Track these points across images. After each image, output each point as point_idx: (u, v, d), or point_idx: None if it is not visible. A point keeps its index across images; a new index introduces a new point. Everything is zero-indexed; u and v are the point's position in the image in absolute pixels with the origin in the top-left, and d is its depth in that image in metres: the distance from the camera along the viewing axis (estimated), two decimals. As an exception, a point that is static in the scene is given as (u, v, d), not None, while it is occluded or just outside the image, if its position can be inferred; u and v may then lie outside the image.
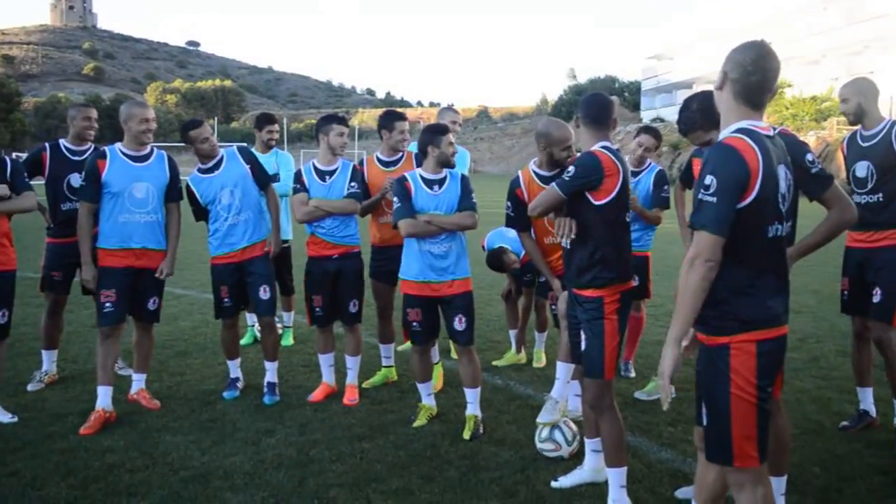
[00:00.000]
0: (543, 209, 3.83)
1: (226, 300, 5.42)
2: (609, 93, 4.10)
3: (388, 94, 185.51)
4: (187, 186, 5.34)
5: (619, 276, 3.65)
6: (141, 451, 4.47)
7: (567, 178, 3.64)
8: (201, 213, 5.41)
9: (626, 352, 5.94)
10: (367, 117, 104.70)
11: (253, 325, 7.14)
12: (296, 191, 5.33)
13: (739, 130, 2.61)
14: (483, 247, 6.31)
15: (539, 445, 4.38)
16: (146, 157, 5.20)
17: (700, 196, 2.56)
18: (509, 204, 4.38)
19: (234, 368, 5.63)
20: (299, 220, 5.38)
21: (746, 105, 2.66)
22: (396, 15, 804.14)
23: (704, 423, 2.72)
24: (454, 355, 6.42)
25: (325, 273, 5.37)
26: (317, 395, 5.46)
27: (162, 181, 5.22)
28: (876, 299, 4.46)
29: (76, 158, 5.57)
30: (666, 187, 5.63)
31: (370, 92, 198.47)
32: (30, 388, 5.62)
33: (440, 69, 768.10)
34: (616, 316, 3.65)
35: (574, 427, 4.38)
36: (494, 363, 6.36)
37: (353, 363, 5.54)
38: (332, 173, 5.33)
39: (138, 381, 5.37)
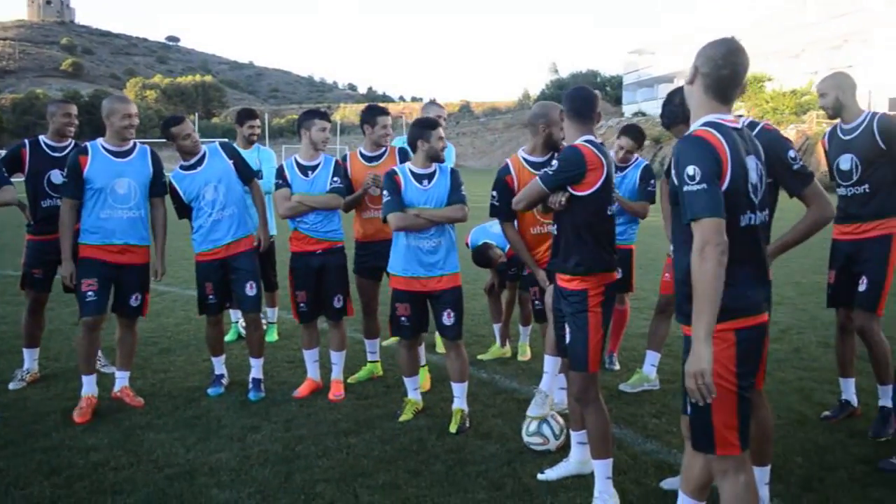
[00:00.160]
0: (527, 203, 3.85)
1: (210, 297, 5.39)
2: (591, 87, 4.10)
3: (370, 89, 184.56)
4: (170, 184, 5.30)
5: (602, 265, 3.67)
6: (125, 449, 4.44)
7: (551, 173, 3.66)
8: (184, 210, 5.37)
9: (610, 344, 5.99)
10: (349, 112, 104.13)
11: (237, 322, 7.12)
12: (278, 186, 5.30)
13: (707, 124, 2.67)
14: (467, 244, 6.31)
15: (526, 439, 4.40)
16: (128, 153, 5.17)
17: (687, 188, 2.56)
18: (495, 193, 4.36)
19: (219, 365, 5.60)
20: (282, 216, 5.36)
21: (716, 99, 2.71)
22: (379, 11, 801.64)
23: (688, 411, 2.75)
24: (439, 349, 6.45)
25: (308, 268, 5.36)
26: (302, 390, 5.45)
27: (145, 176, 5.19)
28: (861, 288, 4.50)
29: (56, 155, 5.52)
30: (652, 182, 5.68)
31: (352, 87, 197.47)
32: (11, 386, 5.57)
33: (422, 64, 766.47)
34: (600, 309, 3.66)
35: (561, 421, 4.40)
36: (479, 357, 6.37)
37: (338, 358, 5.53)
38: (314, 168, 5.32)
39: (121, 379, 5.33)
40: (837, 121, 4.67)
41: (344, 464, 4.24)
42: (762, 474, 3.42)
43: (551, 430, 4.34)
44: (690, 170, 2.56)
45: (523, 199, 3.85)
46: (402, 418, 4.91)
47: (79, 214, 5.08)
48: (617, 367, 6.01)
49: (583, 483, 3.90)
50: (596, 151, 3.63)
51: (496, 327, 6.61)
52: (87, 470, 4.15)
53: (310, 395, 5.42)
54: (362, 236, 5.64)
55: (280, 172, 5.34)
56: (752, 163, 2.69)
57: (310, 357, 5.56)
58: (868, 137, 4.44)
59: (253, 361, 5.51)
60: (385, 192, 4.69)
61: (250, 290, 5.37)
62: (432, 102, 6.95)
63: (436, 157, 4.75)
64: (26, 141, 5.64)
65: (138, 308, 5.30)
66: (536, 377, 5.61)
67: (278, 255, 7.03)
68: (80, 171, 4.98)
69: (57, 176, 5.40)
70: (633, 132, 5.76)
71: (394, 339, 6.57)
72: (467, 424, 4.75)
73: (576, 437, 4.05)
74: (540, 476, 4.00)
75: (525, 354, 6.39)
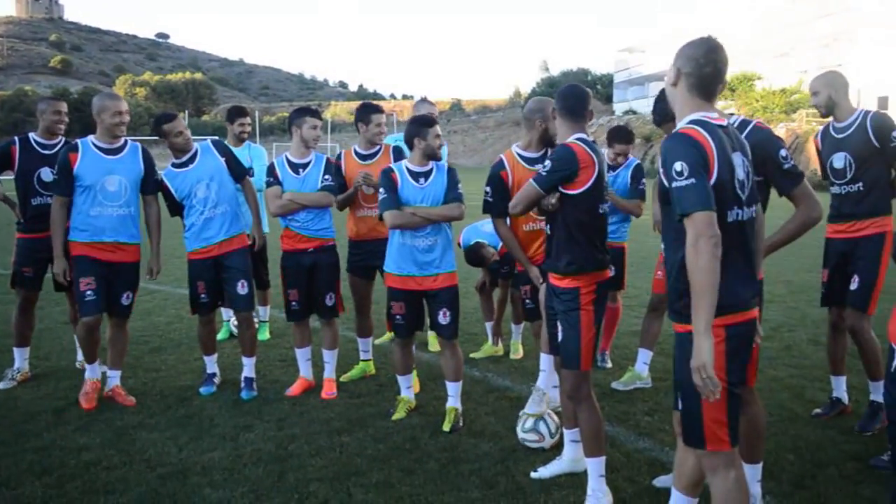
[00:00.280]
0: (524, 206, 3.82)
1: (203, 295, 5.37)
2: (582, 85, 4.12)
3: (361, 86, 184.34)
4: (161, 182, 5.28)
5: (594, 264, 3.67)
6: (117, 449, 4.42)
7: (545, 174, 3.65)
8: (176, 208, 5.35)
9: (602, 342, 6.00)
10: (340, 110, 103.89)
11: (229, 321, 7.09)
12: (269, 184, 5.28)
13: (692, 122, 2.70)
14: (459, 244, 6.30)
15: (522, 436, 4.40)
16: (119, 150, 5.15)
17: (675, 184, 2.58)
18: (488, 189, 4.34)
19: (211, 364, 5.58)
20: (274, 214, 5.35)
21: (700, 97, 2.75)
22: (372, 10, 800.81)
23: (679, 407, 2.76)
24: (431, 348, 6.45)
25: (300, 267, 5.34)
26: (294, 389, 5.44)
27: (136, 174, 5.17)
28: (853, 287, 4.52)
29: (46, 152, 5.48)
30: (643, 180, 5.71)
31: (343, 85, 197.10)
32: (1, 386, 5.54)
33: (413, 62, 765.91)
34: (592, 307, 3.66)
35: (556, 419, 4.40)
36: (472, 355, 6.37)
37: (330, 357, 5.52)
38: (305, 166, 5.30)
39: (113, 378, 5.31)
40: (829, 119, 4.68)
41: (337, 462, 4.23)
42: (754, 471, 3.43)
43: (547, 428, 4.35)
44: (678, 166, 2.57)
45: (520, 203, 3.82)
46: (394, 417, 4.91)
47: (69, 212, 5.05)
48: (609, 365, 6.02)
49: (576, 481, 3.91)
50: (588, 149, 3.63)
51: (488, 325, 6.61)
52: (78, 470, 4.13)
53: (302, 393, 5.41)
54: (356, 235, 5.63)
55: (271, 170, 5.32)
56: (738, 159, 2.72)
57: (302, 356, 5.55)
58: (862, 135, 4.46)
59: (245, 360, 5.50)
60: (381, 190, 4.68)
61: (242, 288, 5.35)
62: (423, 100, 6.93)
63: (433, 154, 4.74)
64: (16, 138, 5.61)
65: (129, 307, 5.29)
66: (529, 375, 5.63)
67: (270, 253, 7.01)
68: (70, 168, 4.96)
69: (47, 174, 5.37)
70: (623, 136, 5.77)
71: (386, 338, 6.58)
72: (461, 423, 4.75)
73: (569, 435, 4.05)
74: (533, 474, 4.00)
75: (517, 352, 6.39)
